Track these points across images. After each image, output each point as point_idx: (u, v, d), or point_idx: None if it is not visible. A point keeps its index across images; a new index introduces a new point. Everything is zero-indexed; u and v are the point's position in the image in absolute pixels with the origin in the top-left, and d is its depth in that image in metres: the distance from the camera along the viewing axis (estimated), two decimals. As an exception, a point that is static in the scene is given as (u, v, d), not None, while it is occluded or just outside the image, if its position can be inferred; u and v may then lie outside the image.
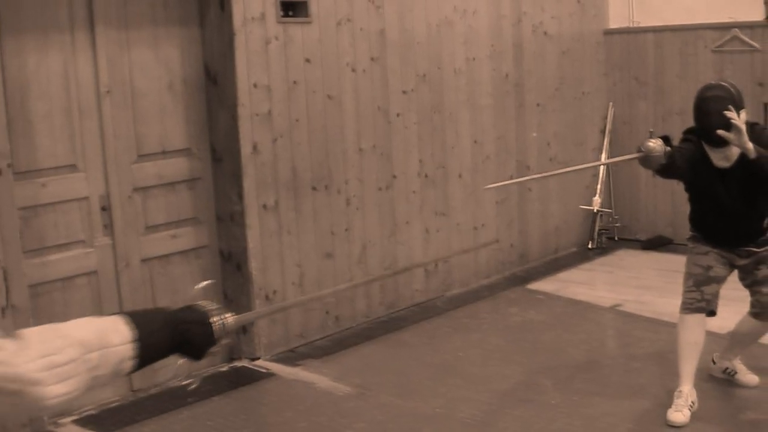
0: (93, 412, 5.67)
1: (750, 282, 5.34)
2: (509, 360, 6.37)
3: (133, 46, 5.86)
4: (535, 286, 8.12)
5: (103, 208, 5.75)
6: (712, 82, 5.32)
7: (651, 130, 5.24)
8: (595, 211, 9.30)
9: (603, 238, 9.40)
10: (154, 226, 6.07)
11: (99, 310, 5.67)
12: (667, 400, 5.28)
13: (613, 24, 9.50)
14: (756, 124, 5.24)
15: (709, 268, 5.27)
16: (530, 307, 7.52)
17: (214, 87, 6.27)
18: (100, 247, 5.76)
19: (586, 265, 8.80)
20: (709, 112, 4.97)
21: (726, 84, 5.15)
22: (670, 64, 9.11)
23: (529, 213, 8.73)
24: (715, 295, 5.31)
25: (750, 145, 4.86)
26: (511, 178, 8.25)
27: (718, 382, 5.71)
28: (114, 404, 5.77)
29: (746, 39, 8.58)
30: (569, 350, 6.51)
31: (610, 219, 9.51)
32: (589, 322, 7.18)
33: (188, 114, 6.22)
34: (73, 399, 2.09)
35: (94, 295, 5.73)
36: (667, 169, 5.02)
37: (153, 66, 5.99)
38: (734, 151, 5.03)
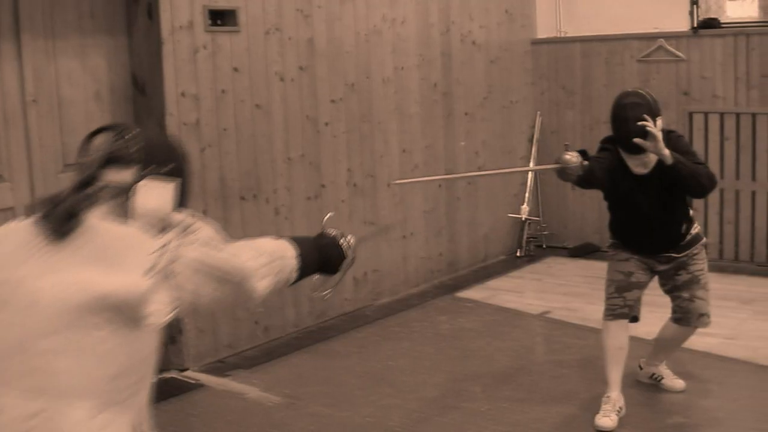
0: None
1: (670, 287, 5.41)
2: (439, 368, 6.39)
3: (60, 55, 5.79)
4: (464, 294, 8.16)
5: (29, 219, 5.67)
6: (629, 89, 5.39)
7: (566, 143, 5.28)
8: (523, 219, 9.37)
9: (531, 246, 9.48)
10: (81, 236, 5.99)
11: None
12: (595, 406, 5.33)
13: (541, 34, 9.60)
14: (672, 131, 5.31)
15: (630, 274, 5.34)
16: (459, 315, 7.56)
17: (142, 96, 6.22)
18: (25, 258, 5.67)
19: (515, 273, 8.86)
20: (626, 118, 5.03)
21: (642, 91, 5.22)
22: (597, 73, 9.22)
23: (458, 221, 8.77)
24: (638, 301, 5.39)
25: (666, 152, 4.93)
26: (439, 187, 8.30)
27: (645, 387, 5.77)
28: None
29: (671, 49, 8.70)
30: (498, 357, 6.55)
31: (538, 227, 9.59)
32: (518, 329, 7.23)
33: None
34: (268, 296, 2.69)
35: (19, 307, 5.64)
36: (584, 180, 5.05)
37: (80, 75, 5.92)
38: (651, 158, 5.09)
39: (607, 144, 5.32)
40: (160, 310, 2.36)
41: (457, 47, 8.60)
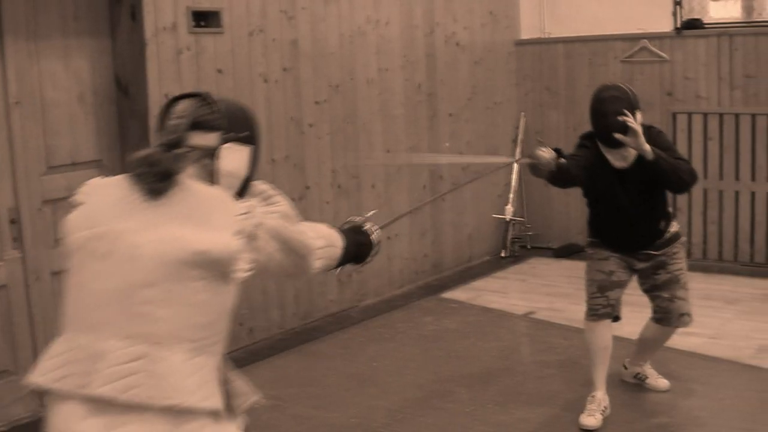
0: (3, 428, 5.58)
1: (649, 287, 5.40)
2: (424, 369, 6.39)
3: (43, 57, 5.77)
4: (449, 294, 8.17)
5: (12, 221, 5.65)
6: (608, 83, 5.37)
7: (540, 139, 5.26)
8: (507, 219, 9.38)
9: (516, 247, 9.49)
10: (64, 238, 5.97)
11: (9, 325, 5.59)
12: (580, 406, 5.35)
13: (525, 35, 9.61)
14: (652, 126, 5.28)
15: (611, 273, 5.33)
16: (444, 316, 7.56)
17: (125, 98, 6.20)
18: (9, 260, 5.65)
19: (500, 274, 8.87)
20: (606, 113, 5.01)
21: (622, 85, 5.21)
22: (581, 74, 9.23)
23: (443, 222, 8.77)
24: (619, 301, 5.38)
25: (647, 147, 4.93)
26: (424, 188, 8.30)
27: (629, 387, 5.79)
28: (25, 420, 5.67)
29: (655, 50, 8.72)
30: (483, 358, 6.55)
31: (523, 227, 9.60)
32: (503, 329, 7.23)
33: (99, 125, 6.14)
34: (316, 275, 3.09)
35: (4, 309, 5.61)
36: (558, 177, 4.97)
37: (63, 77, 5.90)
38: (631, 152, 5.09)
39: (585, 140, 5.30)
40: (243, 268, 2.63)
41: (441, 48, 8.60)
